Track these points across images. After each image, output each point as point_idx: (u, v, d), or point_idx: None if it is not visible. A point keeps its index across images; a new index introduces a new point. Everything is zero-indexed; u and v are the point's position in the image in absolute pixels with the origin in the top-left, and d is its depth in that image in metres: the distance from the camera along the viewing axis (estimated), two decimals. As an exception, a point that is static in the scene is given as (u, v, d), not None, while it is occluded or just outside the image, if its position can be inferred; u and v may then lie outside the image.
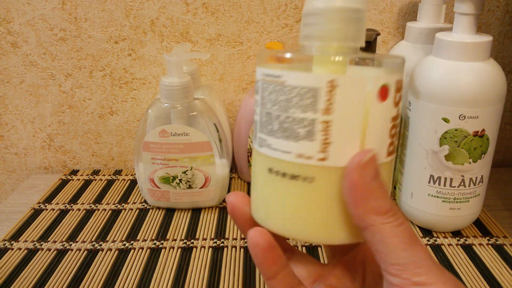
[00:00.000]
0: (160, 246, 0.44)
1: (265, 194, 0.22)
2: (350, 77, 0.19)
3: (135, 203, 0.52)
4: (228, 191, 0.53)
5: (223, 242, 0.45)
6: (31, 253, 0.43)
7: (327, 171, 0.20)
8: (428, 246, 0.43)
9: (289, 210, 0.21)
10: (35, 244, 0.45)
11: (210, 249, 0.44)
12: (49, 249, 0.44)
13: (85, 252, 0.43)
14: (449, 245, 0.44)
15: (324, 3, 0.20)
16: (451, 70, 0.40)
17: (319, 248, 0.43)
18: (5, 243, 0.45)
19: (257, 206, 0.23)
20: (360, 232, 0.20)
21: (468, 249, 0.43)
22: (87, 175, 0.59)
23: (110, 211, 0.50)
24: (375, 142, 0.20)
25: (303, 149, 0.20)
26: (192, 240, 0.45)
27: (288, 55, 0.21)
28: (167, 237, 0.46)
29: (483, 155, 0.41)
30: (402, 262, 0.18)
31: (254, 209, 0.23)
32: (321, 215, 0.20)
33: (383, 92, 0.19)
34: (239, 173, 0.57)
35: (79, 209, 0.51)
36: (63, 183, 0.57)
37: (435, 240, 0.44)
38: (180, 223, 0.48)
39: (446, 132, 0.40)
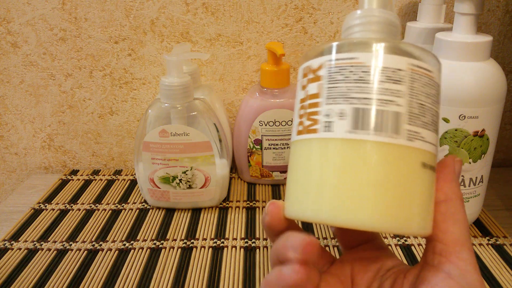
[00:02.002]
0: (160, 246, 0.44)
1: (413, 192, 0.20)
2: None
3: (135, 203, 0.52)
4: (228, 191, 0.53)
5: (223, 242, 0.44)
6: (31, 253, 0.43)
7: (436, 158, 0.22)
8: (428, 246, 0.43)
9: (424, 202, 0.21)
10: (35, 244, 0.45)
11: (210, 249, 0.44)
12: (49, 249, 0.44)
13: (85, 252, 0.43)
14: (449, 245, 0.44)
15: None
16: (451, 70, 0.40)
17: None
18: (5, 243, 0.45)
19: (384, 208, 0.20)
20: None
21: (468, 249, 0.43)
22: (87, 175, 0.59)
23: (110, 211, 0.50)
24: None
25: (436, 139, 0.22)
26: (192, 240, 0.45)
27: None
28: (167, 237, 0.46)
29: (483, 155, 0.41)
30: (461, 237, 0.21)
31: (369, 213, 0.20)
32: (431, 202, 0.22)
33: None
34: (239, 173, 0.57)
35: (79, 209, 0.51)
36: (63, 183, 0.57)
37: (435, 240, 0.44)
38: (180, 223, 0.48)
39: (446, 132, 0.40)
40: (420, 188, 0.20)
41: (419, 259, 0.42)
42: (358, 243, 0.26)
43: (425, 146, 0.20)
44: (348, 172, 0.20)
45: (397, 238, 0.45)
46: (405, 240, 0.44)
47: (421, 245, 0.44)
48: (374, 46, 0.21)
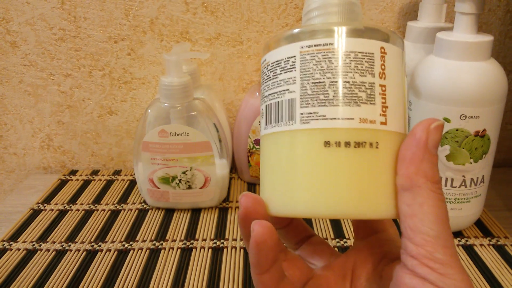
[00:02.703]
0: (160, 246, 0.44)
1: (316, 174, 0.20)
2: (392, 47, 0.20)
3: (134, 203, 0.52)
4: (228, 191, 0.53)
5: (223, 243, 0.44)
6: (30, 254, 0.43)
7: (388, 135, 0.20)
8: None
9: (347, 183, 0.19)
10: (34, 244, 0.44)
11: (210, 249, 0.43)
12: (48, 250, 0.44)
13: (84, 252, 0.43)
14: (450, 245, 0.43)
15: None
16: (452, 69, 0.39)
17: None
18: (4, 244, 0.45)
19: (291, 195, 0.20)
20: (396, 201, 0.19)
21: (469, 250, 0.43)
22: (86, 175, 0.59)
23: (109, 211, 0.50)
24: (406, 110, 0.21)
25: (366, 113, 0.19)
26: (191, 241, 0.45)
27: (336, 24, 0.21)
28: (167, 237, 0.45)
29: (484, 155, 0.41)
30: (432, 234, 0.18)
31: (283, 201, 0.21)
32: (383, 184, 0.20)
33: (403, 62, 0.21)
34: (239, 173, 0.57)
35: (78, 210, 0.51)
36: (62, 183, 0.57)
37: (436, 241, 0.44)
38: (180, 223, 0.48)
39: (447, 132, 0.40)
40: (323, 168, 0.20)
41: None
42: (366, 234, 0.25)
43: (328, 123, 0.19)
44: (276, 166, 0.21)
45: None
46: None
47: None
48: (266, 46, 0.23)
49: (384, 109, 0.20)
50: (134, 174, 0.58)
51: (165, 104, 0.46)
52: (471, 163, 0.41)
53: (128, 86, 0.57)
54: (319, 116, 0.20)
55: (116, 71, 0.57)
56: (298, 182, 0.20)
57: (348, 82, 0.20)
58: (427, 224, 0.18)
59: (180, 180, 0.47)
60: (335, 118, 0.19)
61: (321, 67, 0.20)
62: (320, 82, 0.20)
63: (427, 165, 0.19)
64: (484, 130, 0.40)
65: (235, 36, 0.55)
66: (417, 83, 0.42)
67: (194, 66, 0.52)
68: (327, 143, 0.19)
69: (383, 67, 0.20)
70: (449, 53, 0.40)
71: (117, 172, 0.60)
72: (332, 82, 0.20)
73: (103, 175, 0.59)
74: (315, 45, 0.20)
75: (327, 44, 0.20)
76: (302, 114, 0.20)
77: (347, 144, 0.19)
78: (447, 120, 0.40)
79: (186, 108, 0.46)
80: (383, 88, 0.20)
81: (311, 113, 0.20)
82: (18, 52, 0.56)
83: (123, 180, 0.57)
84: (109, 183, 0.56)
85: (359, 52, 0.20)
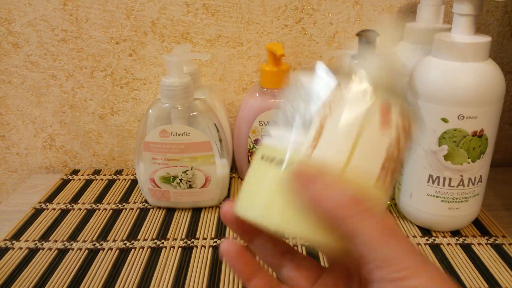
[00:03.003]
0: (161, 245, 0.44)
1: (250, 181, 0.22)
2: (354, 92, 0.20)
3: (135, 202, 0.52)
4: (228, 191, 0.53)
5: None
6: (32, 253, 0.43)
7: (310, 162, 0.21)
8: (427, 246, 0.44)
9: (264, 196, 0.21)
10: (36, 243, 0.45)
11: (211, 248, 0.44)
12: (50, 249, 0.44)
13: (86, 251, 0.44)
14: (448, 244, 0.44)
15: None
16: (450, 70, 0.40)
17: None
18: (6, 243, 0.45)
19: (241, 198, 0.23)
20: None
21: (467, 249, 0.43)
22: (88, 174, 0.59)
23: (111, 210, 0.51)
24: (361, 161, 0.20)
25: (297, 136, 0.21)
26: (192, 240, 0.45)
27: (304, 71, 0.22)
28: (168, 236, 0.46)
29: (482, 155, 0.42)
30: (381, 258, 0.18)
31: (238, 204, 0.23)
32: (285, 204, 0.21)
33: (385, 119, 0.20)
34: (239, 173, 0.57)
35: (80, 209, 0.51)
36: (64, 182, 0.57)
37: (434, 240, 0.44)
38: (181, 222, 0.48)
39: (445, 132, 0.41)
40: (254, 178, 0.22)
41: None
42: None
43: (270, 141, 0.22)
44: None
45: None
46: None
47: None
48: None
49: (315, 141, 0.20)
50: (135, 174, 0.59)
51: (166, 105, 0.46)
52: (468, 162, 0.41)
53: (130, 87, 0.58)
54: (269, 134, 0.23)
55: (118, 71, 0.57)
56: (241, 189, 0.23)
57: (293, 108, 0.22)
58: (372, 252, 0.18)
59: (181, 180, 0.48)
60: (274, 137, 0.22)
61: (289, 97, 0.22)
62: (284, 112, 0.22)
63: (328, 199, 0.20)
64: (482, 130, 0.40)
65: (235, 37, 0.56)
66: (415, 84, 0.42)
67: (195, 67, 0.53)
68: (263, 157, 0.22)
69: (329, 105, 0.20)
70: (447, 54, 0.40)
71: (119, 172, 0.60)
72: (285, 112, 0.22)
73: (105, 175, 0.59)
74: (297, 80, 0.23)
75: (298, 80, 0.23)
76: (266, 132, 0.23)
77: (263, 157, 0.22)
78: (445, 120, 0.40)
79: (187, 109, 0.46)
80: (323, 123, 0.20)
81: (267, 132, 0.23)
82: (20, 53, 0.56)
83: (125, 179, 0.58)
84: (110, 183, 0.57)
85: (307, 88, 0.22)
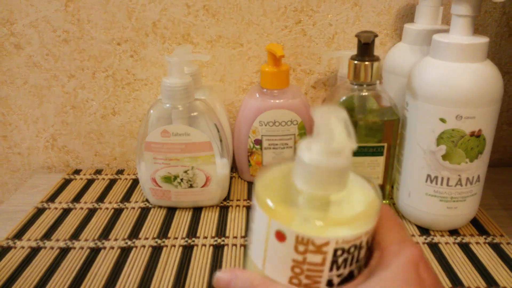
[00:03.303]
0: (162, 244, 0.45)
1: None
2: (258, 210, 0.23)
3: (137, 202, 0.53)
4: (229, 191, 0.54)
5: (223, 241, 0.45)
6: (34, 252, 0.44)
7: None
8: (425, 245, 0.44)
9: None
10: (38, 242, 0.45)
11: (211, 247, 0.44)
12: (52, 248, 0.44)
13: (88, 250, 0.44)
14: (446, 243, 0.44)
15: None
16: (448, 71, 0.40)
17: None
18: (9, 242, 0.45)
19: None
20: None
21: (465, 248, 0.44)
22: (90, 174, 0.60)
23: (113, 210, 0.51)
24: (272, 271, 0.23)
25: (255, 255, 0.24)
26: (193, 239, 0.46)
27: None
28: (169, 235, 0.46)
29: (479, 155, 0.42)
30: None
31: None
32: None
33: (279, 236, 0.22)
34: (239, 173, 0.58)
35: (81, 208, 0.51)
36: (66, 182, 0.58)
37: (432, 239, 0.45)
38: (181, 221, 0.49)
39: (443, 132, 0.41)
40: None
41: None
42: None
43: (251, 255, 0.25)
44: None
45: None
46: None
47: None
48: None
49: (263, 260, 0.24)
50: (136, 173, 0.59)
51: (167, 105, 0.46)
52: (466, 162, 0.42)
53: (131, 87, 0.58)
54: (250, 247, 0.25)
55: (119, 72, 0.57)
56: None
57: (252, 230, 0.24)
58: None
59: (181, 179, 0.48)
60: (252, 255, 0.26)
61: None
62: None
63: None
64: (480, 130, 0.41)
65: (235, 38, 0.56)
66: (413, 85, 0.42)
67: (196, 68, 0.53)
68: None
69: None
70: (445, 54, 0.40)
71: (120, 172, 0.60)
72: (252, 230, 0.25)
73: (106, 174, 0.60)
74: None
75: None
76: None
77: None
78: (443, 120, 0.41)
79: (187, 109, 0.47)
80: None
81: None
82: (22, 54, 0.56)
83: (126, 179, 0.58)
84: (112, 182, 0.57)
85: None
